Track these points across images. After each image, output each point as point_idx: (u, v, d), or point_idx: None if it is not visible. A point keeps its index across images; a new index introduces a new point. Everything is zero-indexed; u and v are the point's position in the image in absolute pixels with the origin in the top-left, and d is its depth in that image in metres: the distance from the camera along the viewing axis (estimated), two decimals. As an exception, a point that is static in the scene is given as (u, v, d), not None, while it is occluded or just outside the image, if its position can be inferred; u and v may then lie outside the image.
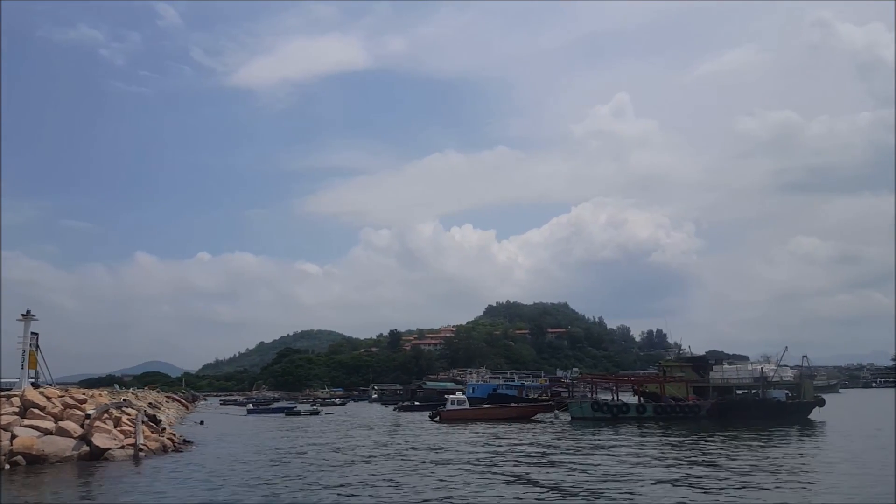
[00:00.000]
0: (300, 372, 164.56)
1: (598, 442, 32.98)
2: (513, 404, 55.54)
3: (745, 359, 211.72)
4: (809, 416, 48.34)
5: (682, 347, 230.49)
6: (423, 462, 25.23)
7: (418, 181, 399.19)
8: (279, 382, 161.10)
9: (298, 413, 64.93)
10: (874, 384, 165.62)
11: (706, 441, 32.48)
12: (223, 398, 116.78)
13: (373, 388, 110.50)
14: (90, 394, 34.17)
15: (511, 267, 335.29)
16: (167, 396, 73.58)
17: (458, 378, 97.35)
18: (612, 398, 53.55)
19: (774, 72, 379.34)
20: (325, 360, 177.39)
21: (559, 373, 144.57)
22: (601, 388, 64.93)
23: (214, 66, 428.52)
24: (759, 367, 52.07)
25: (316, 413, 65.76)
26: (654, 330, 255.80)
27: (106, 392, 42.95)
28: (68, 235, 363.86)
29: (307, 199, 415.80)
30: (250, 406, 73.97)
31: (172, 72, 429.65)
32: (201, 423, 51.75)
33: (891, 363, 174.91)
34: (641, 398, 54.66)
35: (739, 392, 53.00)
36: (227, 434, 42.29)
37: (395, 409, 71.10)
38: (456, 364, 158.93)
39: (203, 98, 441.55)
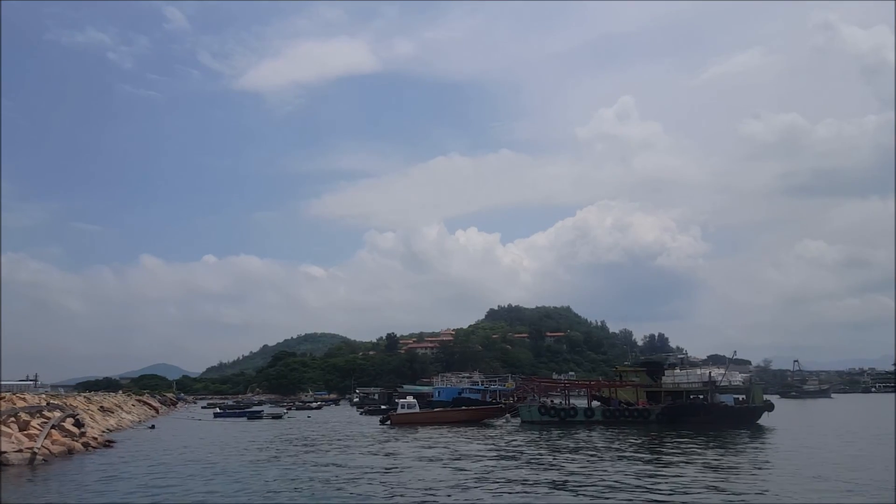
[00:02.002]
0: (294, 375, 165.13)
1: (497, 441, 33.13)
2: (463, 408, 55.53)
3: (746, 363, 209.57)
4: (759, 422, 47.98)
5: (683, 351, 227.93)
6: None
7: (423, 184, 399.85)
8: (273, 385, 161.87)
9: (261, 417, 65.21)
10: (873, 389, 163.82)
11: (614, 442, 32.43)
12: (210, 401, 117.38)
13: (355, 392, 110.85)
14: (8, 397, 34.57)
15: (516, 270, 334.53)
16: (138, 399, 74.16)
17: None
18: (563, 402, 53.54)
19: (780, 74, 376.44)
20: (319, 363, 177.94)
21: (554, 376, 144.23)
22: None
23: (222, 70, 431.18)
24: (708, 371, 51.47)
25: (279, 417, 66.09)
26: (656, 334, 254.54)
27: (45, 395, 43.37)
28: (74, 237, 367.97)
29: (313, 202, 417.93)
30: (217, 410, 74.46)
31: (180, 75, 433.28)
32: (152, 426, 52.24)
33: (891, 368, 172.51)
34: (598, 402, 54.66)
35: (693, 397, 52.43)
36: (164, 438, 42.77)
37: (361, 413, 71.39)
38: (451, 368, 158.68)
39: (210, 101, 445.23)
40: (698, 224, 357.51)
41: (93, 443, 34.68)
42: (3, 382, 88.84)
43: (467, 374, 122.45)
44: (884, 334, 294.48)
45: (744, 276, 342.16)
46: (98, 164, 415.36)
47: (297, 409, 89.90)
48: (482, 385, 70.66)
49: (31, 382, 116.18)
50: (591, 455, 28.14)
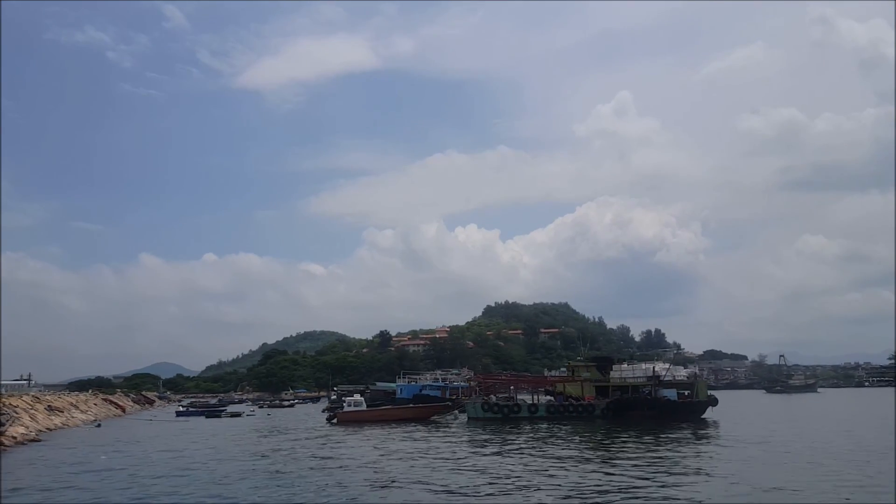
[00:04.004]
0: (284, 373, 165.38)
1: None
2: (411, 405, 55.52)
3: (743, 358, 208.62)
4: (703, 416, 47.65)
5: (680, 347, 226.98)
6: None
7: (422, 181, 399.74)
8: (263, 384, 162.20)
9: (219, 416, 65.41)
10: (866, 383, 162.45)
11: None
12: (194, 400, 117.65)
13: (333, 390, 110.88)
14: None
15: (516, 267, 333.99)
16: (104, 398, 74.41)
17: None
18: (509, 398, 53.31)
19: (778, 69, 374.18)
20: (310, 361, 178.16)
21: (546, 372, 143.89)
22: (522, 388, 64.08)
23: (221, 68, 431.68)
24: (652, 366, 51.11)
25: (238, 415, 66.23)
26: (653, 330, 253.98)
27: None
28: (74, 237, 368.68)
29: (312, 200, 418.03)
30: (180, 408, 74.71)
31: (180, 73, 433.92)
32: (98, 425, 52.53)
33: (887, 362, 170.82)
34: (549, 398, 54.50)
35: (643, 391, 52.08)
36: (99, 437, 42.99)
37: (323, 411, 71.35)
38: (441, 365, 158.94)
39: (210, 99, 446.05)
40: (699, 220, 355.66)
41: (8, 441, 34.89)
42: (1, 382, 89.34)
43: (456, 371, 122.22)
44: (885, 329, 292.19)
45: (744, 271, 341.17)
46: (97, 164, 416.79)
47: (270, 406, 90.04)
48: (442, 382, 70.50)
49: (25, 382, 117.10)
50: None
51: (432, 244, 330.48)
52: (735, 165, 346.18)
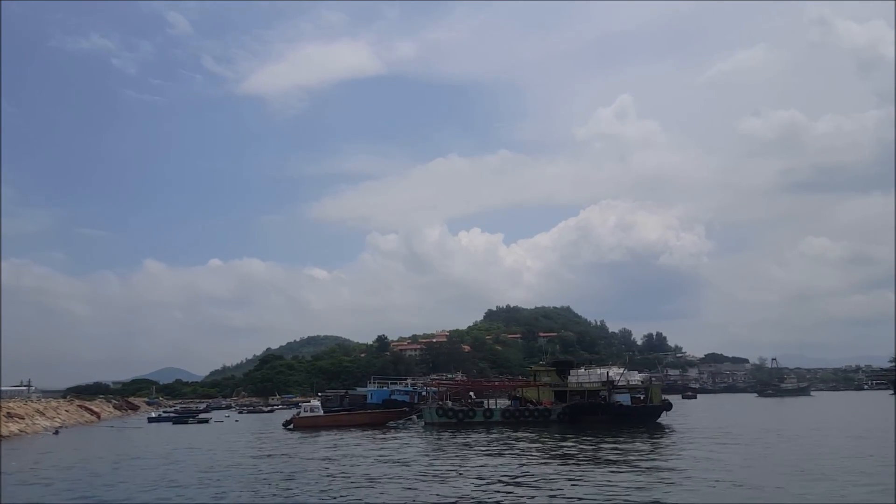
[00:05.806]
0: (280, 378, 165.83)
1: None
2: (368, 410, 55.49)
3: (744, 361, 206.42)
4: (658, 420, 47.24)
5: (681, 350, 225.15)
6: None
7: (425, 185, 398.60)
8: (258, 389, 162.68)
9: (186, 422, 65.58)
10: (866, 386, 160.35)
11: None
12: (183, 406, 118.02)
13: (317, 395, 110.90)
14: None
15: (519, 270, 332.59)
16: (79, 405, 74.78)
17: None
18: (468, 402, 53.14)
19: (777, 71, 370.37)
20: (306, 365, 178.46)
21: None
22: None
23: (225, 74, 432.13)
24: (606, 371, 50.71)
25: (205, 421, 66.40)
26: (654, 333, 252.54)
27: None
28: (78, 242, 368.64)
29: (314, 205, 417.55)
30: (151, 414, 74.95)
31: (184, 80, 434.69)
32: (56, 432, 52.78)
33: (887, 364, 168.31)
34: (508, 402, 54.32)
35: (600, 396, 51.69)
36: (47, 444, 43.21)
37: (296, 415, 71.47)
38: (437, 369, 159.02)
39: (214, 105, 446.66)
40: (702, 222, 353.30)
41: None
42: (1, 388, 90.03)
43: (451, 375, 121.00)
44: (890, 331, 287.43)
45: (748, 273, 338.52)
46: (102, 170, 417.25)
47: (250, 412, 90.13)
48: (412, 387, 70.54)
49: (25, 388, 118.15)
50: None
51: (435, 248, 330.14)
52: (737, 167, 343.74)
